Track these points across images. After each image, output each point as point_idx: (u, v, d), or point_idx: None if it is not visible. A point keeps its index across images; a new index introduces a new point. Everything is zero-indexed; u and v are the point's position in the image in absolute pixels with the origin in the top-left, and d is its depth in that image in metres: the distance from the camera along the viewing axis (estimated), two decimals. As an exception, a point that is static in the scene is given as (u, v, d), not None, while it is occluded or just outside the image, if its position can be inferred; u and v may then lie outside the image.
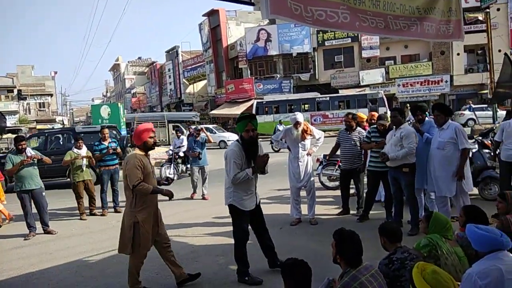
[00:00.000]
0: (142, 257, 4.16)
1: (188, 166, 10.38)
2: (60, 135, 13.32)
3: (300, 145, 6.21)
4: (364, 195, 6.47)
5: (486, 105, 22.23)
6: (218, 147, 22.47)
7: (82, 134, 12.43)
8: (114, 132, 13.64)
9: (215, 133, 24.29)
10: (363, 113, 8.06)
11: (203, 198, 8.85)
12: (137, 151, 4.11)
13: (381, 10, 3.95)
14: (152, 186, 3.98)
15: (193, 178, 9.21)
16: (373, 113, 7.42)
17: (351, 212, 6.68)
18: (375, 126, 6.21)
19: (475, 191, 6.93)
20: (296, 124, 6.13)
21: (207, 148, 9.52)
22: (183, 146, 11.15)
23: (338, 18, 3.64)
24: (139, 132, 4.10)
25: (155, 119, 26.03)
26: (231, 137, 22.33)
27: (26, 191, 6.62)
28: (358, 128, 6.59)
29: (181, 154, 11.41)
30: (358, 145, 6.42)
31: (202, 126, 11.73)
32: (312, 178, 6.37)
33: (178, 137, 11.77)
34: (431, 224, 3.26)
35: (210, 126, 26.60)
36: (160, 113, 30.26)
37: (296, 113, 6.57)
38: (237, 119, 4.34)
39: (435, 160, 5.16)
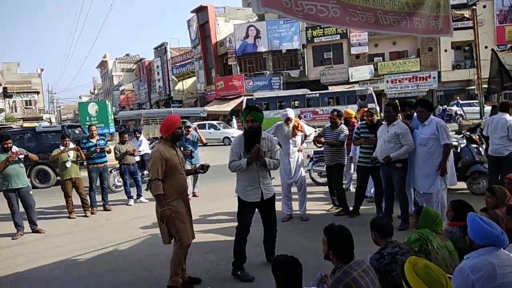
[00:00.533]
0: (186, 248, 4.10)
1: (145, 172, 9.26)
2: (21, 135, 12.48)
3: (291, 141, 6.21)
4: (352, 190, 6.50)
5: (474, 101, 22.49)
6: (223, 144, 22.12)
7: (43, 134, 12.22)
8: (77, 131, 13.38)
9: (219, 129, 23.84)
10: (351, 109, 8.09)
11: (194, 195, 8.60)
12: (161, 145, 4.08)
13: (370, 5, 3.96)
14: (160, 191, 3.88)
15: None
16: (365, 109, 7.42)
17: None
18: (364, 121, 6.24)
19: (463, 185, 7.02)
20: (287, 120, 6.13)
21: (214, 144, 9.38)
22: (141, 151, 9.72)
23: (328, 13, 3.64)
24: (169, 123, 4.10)
25: (163, 115, 25.33)
26: (235, 134, 21.89)
27: (13, 189, 6.51)
28: (342, 125, 6.56)
29: (137, 158, 9.32)
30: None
31: (195, 124, 11.52)
32: (303, 175, 6.38)
33: (137, 138, 10.10)
34: (421, 219, 3.28)
35: (214, 122, 25.68)
36: (167, 109, 29.31)
37: (287, 109, 6.55)
38: (243, 111, 4.54)
39: (418, 157, 5.18)
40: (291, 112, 6.24)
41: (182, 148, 8.45)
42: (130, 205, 8.40)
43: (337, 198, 6.59)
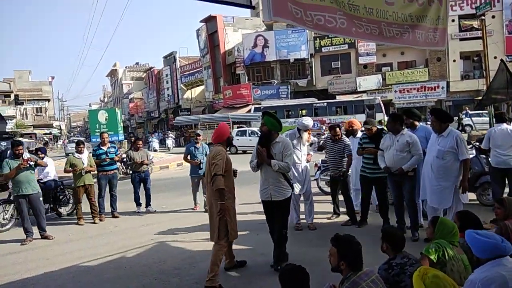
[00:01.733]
0: (225, 246, 4.43)
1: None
2: None
3: (300, 149, 6.25)
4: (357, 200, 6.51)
5: (483, 111, 22.34)
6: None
7: None
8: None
9: None
10: (357, 120, 8.07)
11: (206, 211, 7.57)
12: (221, 147, 4.44)
13: (374, 17, 4.01)
14: (223, 186, 4.22)
15: (192, 190, 8.28)
16: (352, 120, 7.36)
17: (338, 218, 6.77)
18: (365, 133, 6.26)
19: (473, 196, 6.95)
20: (306, 130, 6.24)
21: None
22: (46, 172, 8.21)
23: (336, 23, 3.71)
24: (224, 129, 4.57)
25: (219, 120, 24.93)
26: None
27: (23, 195, 6.58)
28: (343, 137, 6.63)
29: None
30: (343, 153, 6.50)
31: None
32: (309, 184, 6.39)
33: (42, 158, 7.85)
34: (437, 229, 3.20)
35: (255, 128, 22.90)
36: (224, 114, 28.96)
37: (306, 117, 6.63)
38: None
39: (433, 169, 4.93)
40: (310, 122, 6.32)
41: (190, 157, 8.21)
42: (139, 212, 8.36)
43: (346, 208, 6.58)
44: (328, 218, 6.80)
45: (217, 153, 4.32)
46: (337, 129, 6.59)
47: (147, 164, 8.63)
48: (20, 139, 12.11)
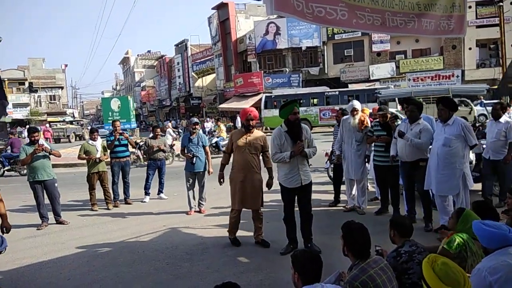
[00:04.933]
0: (233, 212, 5.29)
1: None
2: None
3: (354, 136, 6.30)
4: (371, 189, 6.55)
5: (495, 100, 21.79)
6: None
7: None
8: None
9: None
10: (367, 108, 8.03)
11: (199, 211, 7.15)
12: (237, 130, 5.50)
13: (379, 7, 3.98)
14: (223, 161, 5.47)
15: (188, 192, 7.10)
16: (376, 107, 7.33)
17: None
18: (377, 120, 6.22)
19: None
20: (353, 111, 6.31)
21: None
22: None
23: (336, 15, 3.72)
24: (241, 114, 5.25)
25: (438, 93, 22.25)
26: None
27: (39, 181, 6.73)
28: None
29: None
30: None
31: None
32: (365, 170, 6.53)
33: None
34: (461, 221, 3.09)
35: None
36: (444, 87, 23.09)
37: (353, 100, 6.69)
38: (281, 107, 4.81)
39: (439, 158, 4.97)
40: (357, 103, 6.39)
41: (185, 150, 7.19)
42: (145, 201, 8.35)
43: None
44: (329, 206, 6.92)
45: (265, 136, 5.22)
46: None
47: (164, 151, 8.63)
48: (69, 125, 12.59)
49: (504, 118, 6.02)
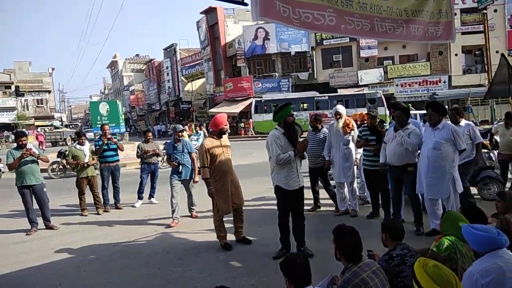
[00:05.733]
0: (221, 216, 5.36)
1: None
2: None
3: (342, 140, 6.39)
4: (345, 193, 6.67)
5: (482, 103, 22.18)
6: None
7: None
8: None
9: None
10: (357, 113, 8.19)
11: (191, 216, 7.08)
12: (207, 139, 5.34)
13: (368, 13, 4.02)
14: (206, 175, 5.19)
15: (172, 199, 6.71)
16: (364, 112, 7.40)
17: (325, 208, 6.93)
18: (365, 124, 6.31)
19: (474, 190, 7.01)
20: (336, 114, 6.44)
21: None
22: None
23: (324, 21, 3.73)
24: (216, 122, 5.33)
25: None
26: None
27: (27, 186, 6.65)
28: (324, 129, 6.81)
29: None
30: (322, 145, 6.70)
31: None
32: (354, 173, 6.60)
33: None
34: (444, 220, 3.18)
35: None
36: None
37: (337, 105, 6.84)
38: (276, 110, 4.78)
39: (429, 161, 5.04)
40: (340, 108, 6.55)
41: (171, 158, 6.95)
42: (135, 206, 8.27)
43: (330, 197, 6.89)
44: (309, 210, 6.73)
45: (200, 146, 5.19)
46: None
47: (158, 155, 8.64)
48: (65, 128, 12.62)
49: (464, 122, 6.03)
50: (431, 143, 5.04)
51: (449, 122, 5.12)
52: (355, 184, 6.67)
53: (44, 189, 6.88)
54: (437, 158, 4.99)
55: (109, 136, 8.16)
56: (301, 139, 4.81)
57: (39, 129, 38.99)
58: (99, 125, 12.13)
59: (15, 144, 6.81)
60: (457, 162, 5.13)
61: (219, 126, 5.29)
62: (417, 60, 31.53)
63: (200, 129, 17.60)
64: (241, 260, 4.85)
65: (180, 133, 7.11)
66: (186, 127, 20.14)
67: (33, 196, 6.76)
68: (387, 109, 22.88)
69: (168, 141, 7.50)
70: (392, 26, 4.23)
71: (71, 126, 45.38)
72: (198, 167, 5.11)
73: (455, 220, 3.08)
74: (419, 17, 4.42)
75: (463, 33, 29.29)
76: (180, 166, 6.80)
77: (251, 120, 30.76)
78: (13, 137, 17.78)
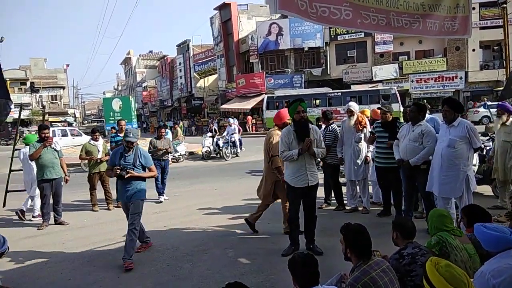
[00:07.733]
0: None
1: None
2: None
3: (353, 137, 6.35)
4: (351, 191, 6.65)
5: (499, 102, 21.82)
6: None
7: None
8: None
9: None
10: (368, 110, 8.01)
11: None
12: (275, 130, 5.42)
13: (384, 7, 3.95)
14: (279, 164, 5.23)
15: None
16: (377, 108, 7.33)
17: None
18: (379, 121, 6.18)
19: (488, 189, 6.87)
20: (348, 112, 6.41)
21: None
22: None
23: (340, 15, 3.69)
24: (282, 115, 5.36)
25: None
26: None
27: (48, 180, 6.68)
28: (334, 125, 6.77)
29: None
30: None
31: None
32: (366, 172, 6.56)
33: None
34: (429, 223, 3.25)
35: None
36: None
37: (349, 102, 6.80)
38: (288, 105, 4.82)
39: (443, 159, 4.89)
40: (352, 105, 6.50)
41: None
42: (161, 202, 8.30)
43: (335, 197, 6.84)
44: (320, 207, 6.72)
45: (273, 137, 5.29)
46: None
47: (170, 153, 8.65)
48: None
49: (425, 121, 5.71)
50: (446, 140, 4.88)
51: (465, 119, 4.95)
52: (367, 182, 6.57)
53: (62, 183, 6.95)
54: (451, 156, 4.83)
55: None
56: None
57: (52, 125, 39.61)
58: (112, 121, 12.23)
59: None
60: (472, 161, 4.98)
61: (283, 120, 5.32)
62: (433, 56, 30.97)
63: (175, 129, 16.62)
64: (250, 257, 4.82)
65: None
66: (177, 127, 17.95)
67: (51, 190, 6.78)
68: (401, 106, 22.57)
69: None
70: (409, 20, 4.14)
71: (97, 121, 47.56)
72: (272, 155, 5.28)
73: (436, 216, 3.21)
74: (436, 12, 4.32)
75: (482, 28, 28.67)
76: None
77: (249, 117, 30.95)
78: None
